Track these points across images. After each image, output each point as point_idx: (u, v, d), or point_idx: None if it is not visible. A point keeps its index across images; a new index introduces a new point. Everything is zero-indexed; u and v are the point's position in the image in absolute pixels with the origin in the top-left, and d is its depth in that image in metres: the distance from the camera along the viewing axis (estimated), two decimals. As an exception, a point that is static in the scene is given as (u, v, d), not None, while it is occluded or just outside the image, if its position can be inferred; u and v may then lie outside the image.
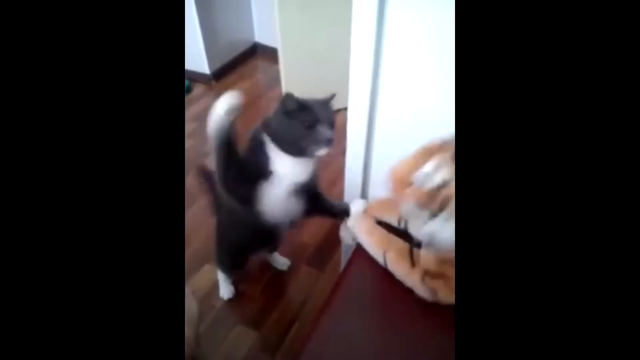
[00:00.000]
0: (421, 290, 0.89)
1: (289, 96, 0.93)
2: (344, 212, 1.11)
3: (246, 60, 2.87)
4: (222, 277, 1.51)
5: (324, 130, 0.94)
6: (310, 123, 0.94)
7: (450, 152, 0.79)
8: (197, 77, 2.61)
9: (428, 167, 0.80)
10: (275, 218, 1.09)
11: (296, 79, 2.23)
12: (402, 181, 0.85)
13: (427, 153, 0.83)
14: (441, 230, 0.81)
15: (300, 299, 1.55)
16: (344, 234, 1.13)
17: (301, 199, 1.08)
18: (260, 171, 0.99)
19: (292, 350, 1.37)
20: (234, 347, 1.40)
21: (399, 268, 0.92)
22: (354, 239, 1.07)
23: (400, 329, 0.90)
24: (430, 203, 0.80)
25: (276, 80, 2.39)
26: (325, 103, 0.99)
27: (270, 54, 2.73)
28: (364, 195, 1.38)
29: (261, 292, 1.56)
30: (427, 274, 0.88)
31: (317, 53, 2.15)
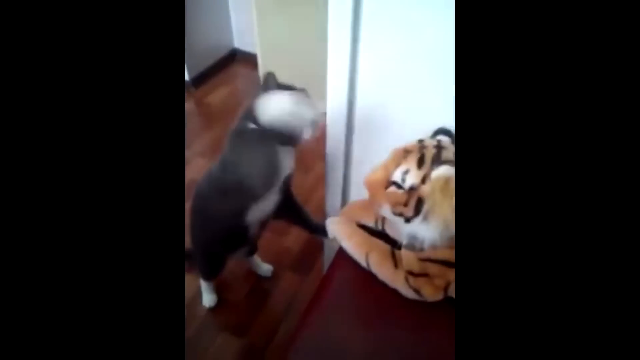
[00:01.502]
0: (405, 290, 0.90)
1: (271, 75, 0.93)
2: (321, 231, 1.11)
3: (225, 67, 2.86)
4: (204, 285, 1.50)
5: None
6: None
7: (417, 157, 0.82)
8: (176, 83, 2.59)
9: (397, 174, 0.83)
10: (256, 216, 1.10)
11: (276, 85, 2.24)
12: (376, 189, 0.87)
13: (397, 158, 0.85)
14: (420, 232, 0.83)
15: (284, 304, 1.55)
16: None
17: (280, 194, 1.10)
18: (274, 172, 0.99)
19: (278, 355, 1.36)
20: (218, 354, 1.39)
21: (382, 270, 0.93)
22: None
23: (384, 328, 0.90)
24: (405, 209, 0.82)
25: (256, 85, 2.39)
26: (301, 90, 1.01)
27: (249, 60, 2.72)
28: (344, 198, 1.39)
29: (245, 299, 1.56)
30: (410, 273, 0.89)
31: (296, 58, 2.16)
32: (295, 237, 1.76)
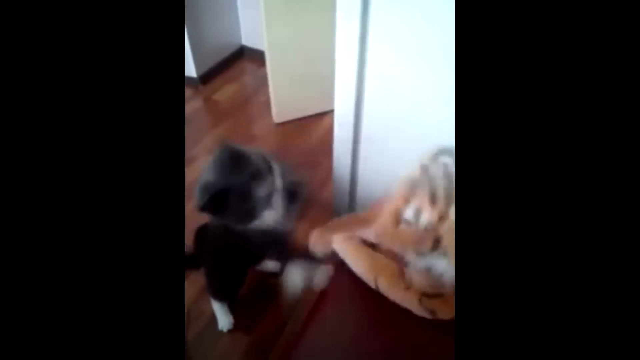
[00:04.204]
0: (419, 312, 0.86)
1: (206, 205, 0.89)
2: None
3: (233, 63, 2.86)
4: (218, 307, 1.43)
5: (257, 192, 0.90)
6: (240, 198, 0.90)
7: (427, 192, 0.75)
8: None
9: (409, 212, 0.76)
10: (280, 223, 1.07)
11: (283, 81, 2.23)
12: (387, 230, 0.81)
13: (404, 192, 0.77)
14: (436, 265, 0.78)
15: (291, 301, 1.54)
16: (316, 245, 1.06)
17: (288, 200, 1.07)
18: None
19: (285, 353, 1.36)
20: (225, 352, 1.39)
21: (393, 292, 0.90)
22: (325, 252, 1.03)
23: (391, 327, 0.90)
24: (421, 245, 0.76)
25: (264, 83, 2.38)
26: (232, 159, 0.91)
27: (257, 57, 2.72)
28: (352, 195, 1.39)
29: (252, 296, 1.55)
30: (424, 295, 0.85)
31: (304, 55, 2.15)
32: (303, 233, 1.75)
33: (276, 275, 1.60)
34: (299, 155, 2.13)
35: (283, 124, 2.34)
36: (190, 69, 2.56)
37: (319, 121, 2.35)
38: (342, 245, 0.99)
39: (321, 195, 1.89)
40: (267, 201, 0.93)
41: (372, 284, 0.92)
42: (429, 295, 0.84)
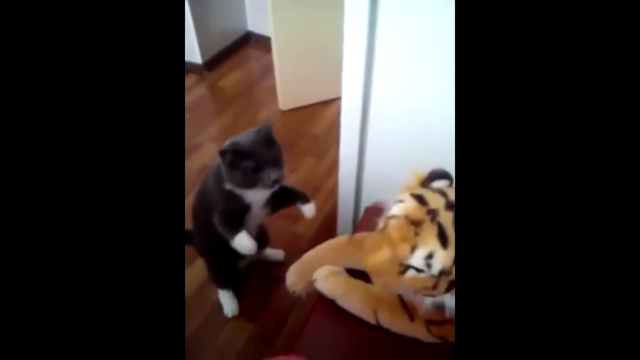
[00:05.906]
0: (429, 340, 0.81)
1: (225, 152, 0.97)
2: (304, 197, 1.16)
3: (239, 50, 2.84)
4: (223, 294, 1.47)
5: (269, 173, 0.99)
6: (254, 167, 0.98)
7: (434, 232, 0.65)
8: (189, 67, 2.57)
9: (418, 259, 0.66)
10: (250, 228, 1.18)
11: (289, 68, 2.21)
12: (387, 274, 0.70)
13: (404, 233, 0.66)
14: (449, 302, 0.72)
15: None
16: (292, 284, 0.96)
17: (269, 206, 1.16)
18: (243, 209, 1.10)
19: (290, 340, 1.37)
20: (230, 339, 1.40)
21: (397, 324, 0.83)
22: (308, 292, 0.95)
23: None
24: (433, 291, 0.68)
25: (270, 69, 2.36)
26: (267, 139, 1.01)
27: (263, 43, 2.70)
28: (358, 183, 1.38)
29: (256, 284, 1.56)
30: (432, 323, 0.79)
31: (310, 41, 2.13)
32: (307, 223, 1.75)
33: (280, 265, 1.61)
34: (305, 143, 2.13)
35: (289, 111, 2.33)
36: (196, 55, 2.54)
37: (325, 108, 2.33)
38: (328, 283, 0.90)
39: (327, 183, 1.88)
40: (270, 184, 1.01)
41: (371, 320, 0.85)
42: (436, 323, 0.79)
